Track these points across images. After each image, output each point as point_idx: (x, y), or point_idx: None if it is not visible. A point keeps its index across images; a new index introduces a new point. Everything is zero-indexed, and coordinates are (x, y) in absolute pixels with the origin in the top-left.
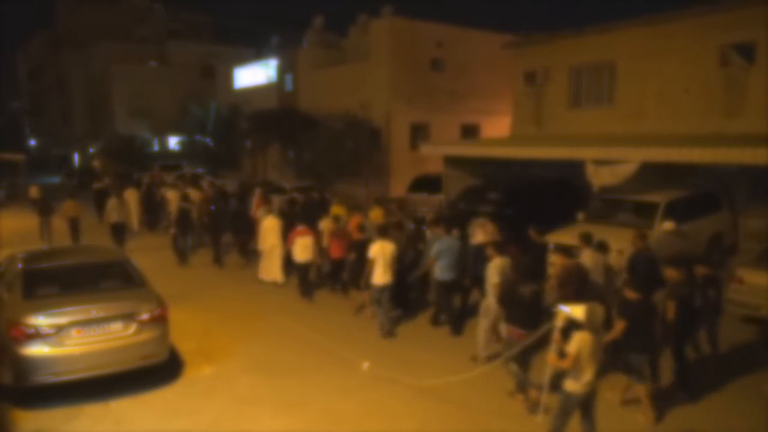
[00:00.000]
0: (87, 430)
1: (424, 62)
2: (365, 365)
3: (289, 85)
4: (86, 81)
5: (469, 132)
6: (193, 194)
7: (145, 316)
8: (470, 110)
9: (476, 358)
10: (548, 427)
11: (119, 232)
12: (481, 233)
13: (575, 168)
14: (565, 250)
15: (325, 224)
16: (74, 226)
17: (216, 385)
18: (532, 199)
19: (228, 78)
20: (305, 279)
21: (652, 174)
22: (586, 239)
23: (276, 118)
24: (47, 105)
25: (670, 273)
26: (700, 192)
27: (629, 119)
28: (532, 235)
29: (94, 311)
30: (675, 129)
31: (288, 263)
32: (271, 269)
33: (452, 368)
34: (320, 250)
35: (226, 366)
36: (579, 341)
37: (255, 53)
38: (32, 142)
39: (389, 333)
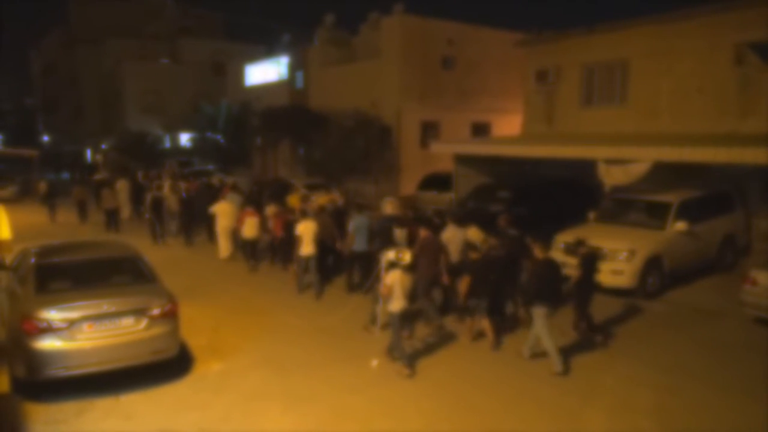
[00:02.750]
0: (97, 423)
1: (434, 60)
2: (374, 362)
3: (299, 83)
4: (98, 78)
5: (480, 130)
6: (176, 185)
7: (155, 312)
8: (481, 108)
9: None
10: (389, 340)
11: (111, 216)
12: (389, 207)
13: (587, 167)
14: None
15: (270, 209)
16: (81, 207)
17: (226, 380)
18: (543, 198)
19: (239, 75)
20: (250, 252)
21: (665, 174)
22: (452, 216)
23: (287, 115)
24: (60, 101)
25: (490, 241)
26: (713, 192)
27: (642, 118)
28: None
29: (105, 306)
30: (688, 128)
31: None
32: (223, 246)
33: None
34: (264, 228)
35: (235, 361)
36: (392, 276)
37: (266, 51)
38: (45, 138)
39: (310, 290)
